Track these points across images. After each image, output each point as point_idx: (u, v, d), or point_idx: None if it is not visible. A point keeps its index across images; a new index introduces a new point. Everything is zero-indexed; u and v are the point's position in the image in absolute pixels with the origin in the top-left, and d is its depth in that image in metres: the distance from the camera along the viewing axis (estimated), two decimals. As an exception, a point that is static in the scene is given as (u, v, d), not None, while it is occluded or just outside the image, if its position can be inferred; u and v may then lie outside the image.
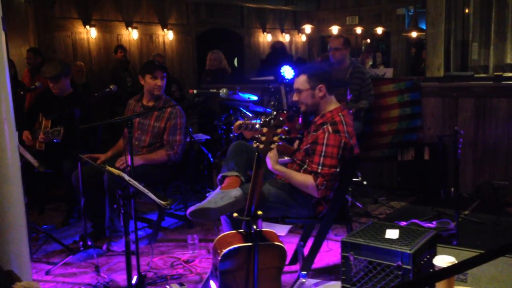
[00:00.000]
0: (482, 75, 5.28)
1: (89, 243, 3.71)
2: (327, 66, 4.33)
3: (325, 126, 3.04)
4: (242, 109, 4.94)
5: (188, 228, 4.34)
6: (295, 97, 3.18)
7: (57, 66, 4.45)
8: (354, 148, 3.08)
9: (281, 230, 4.05)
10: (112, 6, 8.52)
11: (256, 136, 2.55)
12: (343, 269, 2.80)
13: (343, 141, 2.99)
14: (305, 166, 3.11)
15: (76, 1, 8.05)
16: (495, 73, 5.16)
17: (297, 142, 3.52)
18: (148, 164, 3.90)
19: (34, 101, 5.22)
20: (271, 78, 6.03)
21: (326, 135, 2.99)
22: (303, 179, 3.01)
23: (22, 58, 6.92)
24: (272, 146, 2.51)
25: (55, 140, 3.95)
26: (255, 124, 3.28)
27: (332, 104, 3.15)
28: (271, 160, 2.89)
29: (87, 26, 8.10)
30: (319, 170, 2.96)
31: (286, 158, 3.28)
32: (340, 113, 3.09)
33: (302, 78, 3.13)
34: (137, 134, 4.08)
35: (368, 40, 12.82)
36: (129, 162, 3.07)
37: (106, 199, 3.78)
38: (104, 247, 3.82)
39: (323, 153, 2.97)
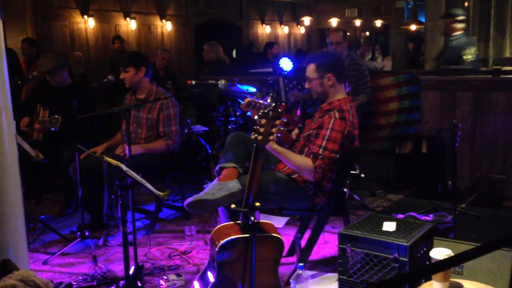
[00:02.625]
0: (481, 68, 5.27)
1: (87, 233, 3.71)
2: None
3: (331, 112, 3.07)
4: (241, 101, 4.93)
5: (185, 219, 4.35)
6: (307, 85, 3.23)
7: (53, 59, 4.39)
8: (355, 141, 3.11)
9: (278, 222, 4.06)
10: (110, -4, 8.47)
11: (255, 127, 2.55)
12: (340, 261, 2.82)
13: (348, 129, 3.02)
14: (303, 156, 3.11)
15: (74, -10, 8.00)
16: (494, 67, 5.16)
17: (296, 131, 3.52)
18: (146, 154, 3.90)
19: (32, 91, 5.20)
20: (270, 70, 6.01)
21: (333, 120, 3.02)
22: (302, 161, 3.02)
23: (19, 48, 6.88)
24: (271, 137, 2.51)
25: (52, 129, 3.93)
26: (263, 103, 3.28)
27: (341, 94, 3.19)
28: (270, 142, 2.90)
29: (85, 16, 8.03)
30: (320, 152, 2.97)
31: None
32: (348, 103, 3.14)
33: (311, 67, 3.17)
34: (132, 127, 4.06)
35: (367, 33, 12.79)
36: (128, 153, 3.06)
37: (105, 186, 3.77)
38: (101, 241, 3.82)
39: (326, 137, 2.99)
